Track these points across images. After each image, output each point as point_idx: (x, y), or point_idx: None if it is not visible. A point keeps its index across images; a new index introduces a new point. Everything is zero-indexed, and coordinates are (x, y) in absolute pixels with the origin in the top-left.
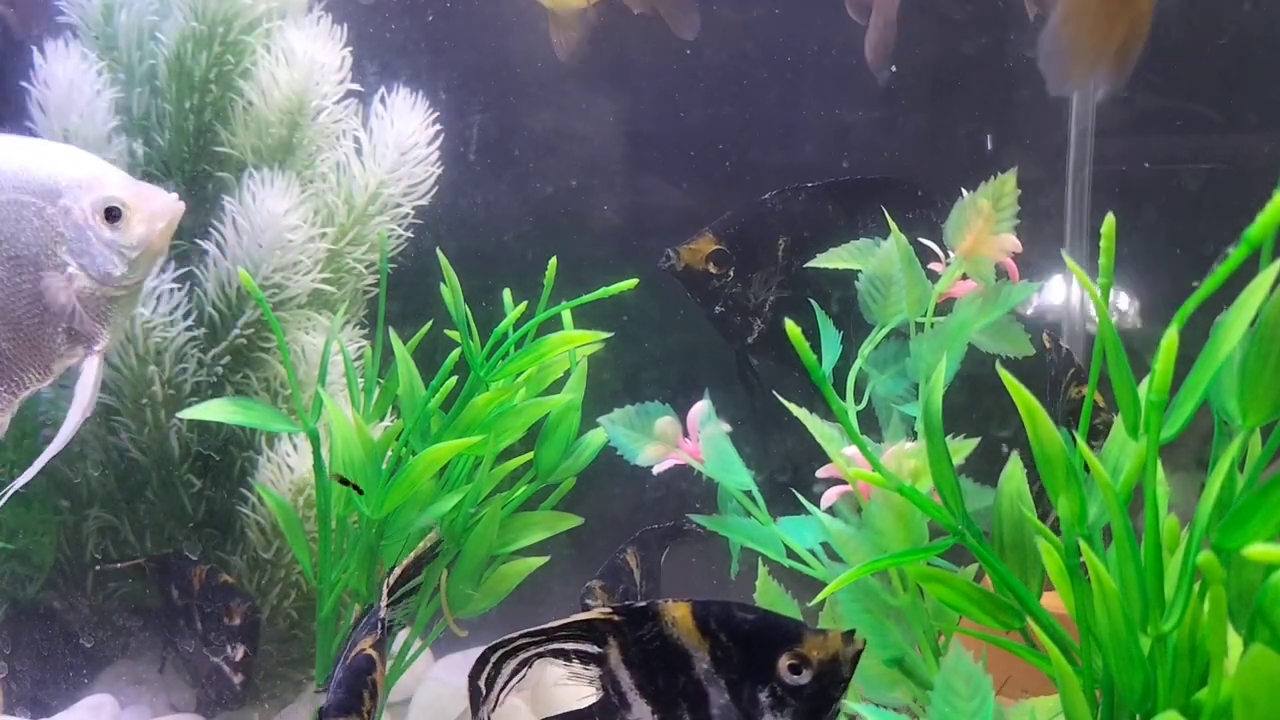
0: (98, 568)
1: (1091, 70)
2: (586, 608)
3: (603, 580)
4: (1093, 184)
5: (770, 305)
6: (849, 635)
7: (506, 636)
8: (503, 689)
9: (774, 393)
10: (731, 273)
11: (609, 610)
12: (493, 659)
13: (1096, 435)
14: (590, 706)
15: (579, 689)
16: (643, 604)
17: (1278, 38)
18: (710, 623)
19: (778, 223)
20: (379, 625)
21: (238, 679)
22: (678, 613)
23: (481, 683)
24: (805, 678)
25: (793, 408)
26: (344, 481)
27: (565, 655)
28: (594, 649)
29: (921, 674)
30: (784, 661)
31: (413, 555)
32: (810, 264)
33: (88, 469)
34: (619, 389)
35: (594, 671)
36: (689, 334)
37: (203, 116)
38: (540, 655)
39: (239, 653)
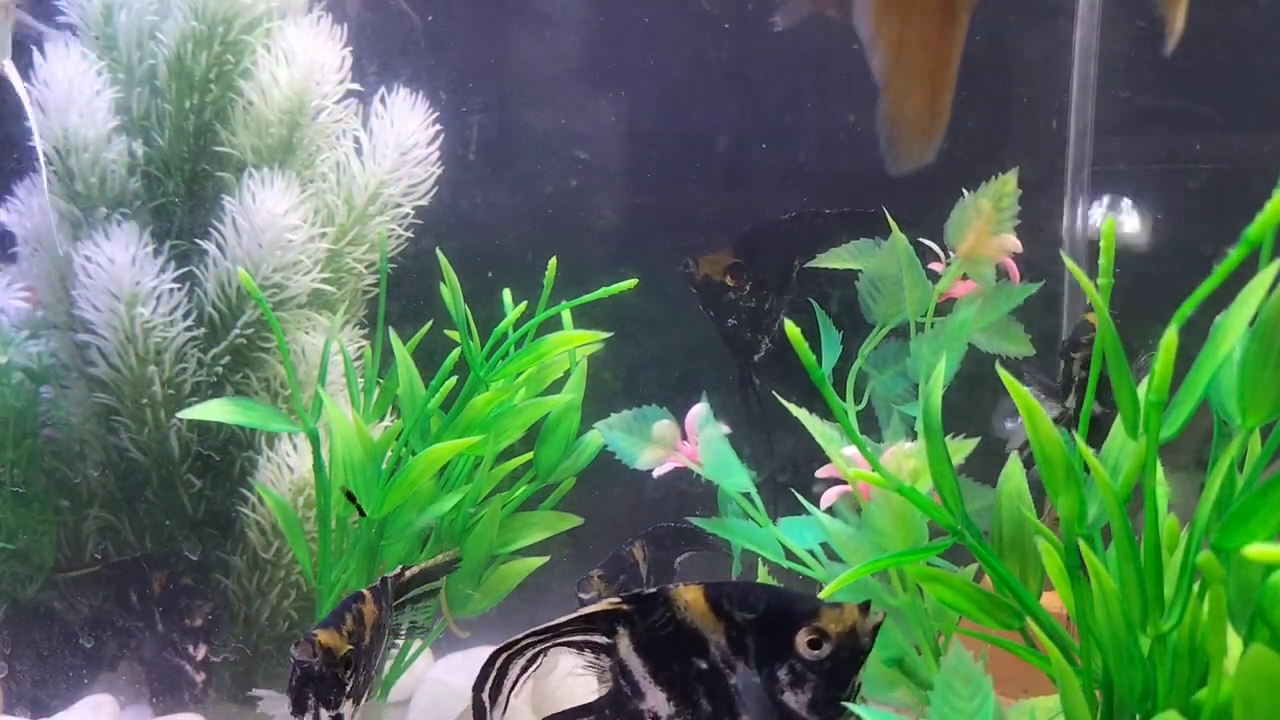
0: (58, 574)
1: (930, 144)
2: (581, 601)
3: (603, 571)
4: (1092, 184)
5: (779, 326)
6: (865, 607)
7: (510, 639)
8: (511, 689)
9: (773, 393)
10: (747, 288)
11: (617, 600)
12: (497, 664)
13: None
14: (600, 699)
15: (580, 686)
16: (652, 591)
17: (1278, 38)
18: (724, 604)
19: (794, 244)
20: (383, 581)
21: (200, 677)
22: (690, 596)
23: (485, 696)
24: (824, 652)
25: (792, 408)
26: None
27: (575, 647)
28: (603, 640)
29: (921, 674)
30: (802, 637)
31: (430, 563)
32: (811, 264)
33: (88, 469)
34: (619, 389)
35: (605, 662)
36: (689, 334)
37: (203, 116)
38: (549, 649)
39: (201, 652)
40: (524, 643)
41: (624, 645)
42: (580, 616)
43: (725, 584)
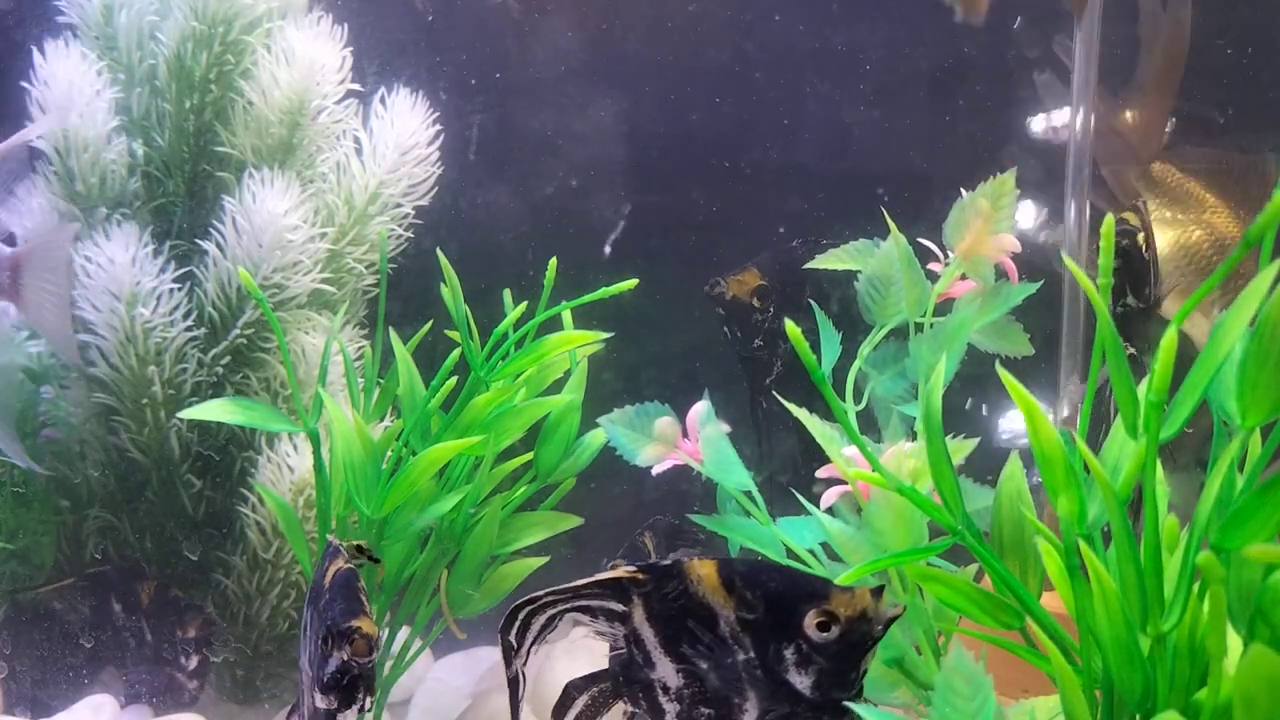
0: (16, 594)
1: None
2: None
3: (625, 560)
4: (1093, 184)
5: (789, 350)
6: (878, 591)
7: (533, 594)
8: (533, 642)
9: (786, 405)
10: (770, 310)
11: (634, 568)
12: (521, 615)
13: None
14: (614, 665)
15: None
16: (668, 562)
17: (1278, 38)
18: (735, 580)
19: (806, 270)
20: (337, 551)
21: (192, 685)
22: (703, 570)
23: (512, 638)
24: (832, 635)
25: (792, 408)
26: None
27: (591, 612)
28: (619, 607)
29: (921, 674)
30: (810, 619)
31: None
32: (810, 264)
33: (88, 469)
34: (619, 389)
35: (619, 630)
36: (689, 334)
37: (203, 116)
38: (567, 611)
39: (193, 661)
40: (545, 599)
41: (638, 614)
42: (598, 580)
43: (739, 561)
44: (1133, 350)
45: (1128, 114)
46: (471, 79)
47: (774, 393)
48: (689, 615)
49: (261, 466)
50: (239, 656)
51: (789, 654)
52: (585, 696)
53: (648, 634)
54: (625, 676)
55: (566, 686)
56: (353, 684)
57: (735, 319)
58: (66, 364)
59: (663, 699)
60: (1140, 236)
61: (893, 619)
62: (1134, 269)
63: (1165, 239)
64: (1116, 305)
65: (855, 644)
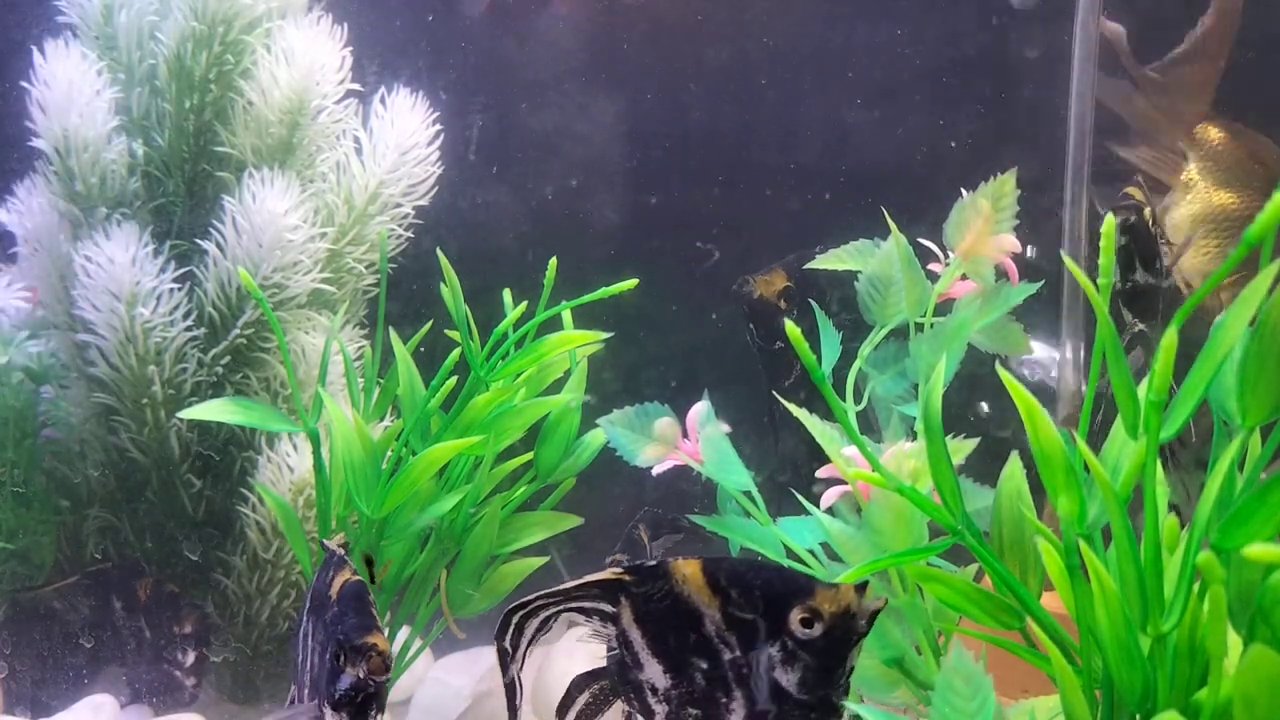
0: (18, 593)
1: None
2: None
3: (623, 553)
4: (1092, 184)
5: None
6: (861, 588)
7: (524, 599)
8: (528, 646)
9: (776, 394)
10: (795, 311)
11: (620, 570)
12: (514, 620)
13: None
14: (609, 664)
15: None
16: (653, 563)
17: (1278, 38)
18: (721, 579)
19: (828, 275)
20: (342, 561)
21: (190, 682)
22: (688, 570)
23: (507, 643)
24: (816, 631)
25: (792, 408)
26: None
27: (585, 613)
28: (610, 608)
29: (921, 674)
30: (795, 615)
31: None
32: (810, 265)
33: (88, 469)
34: (619, 389)
35: (611, 630)
36: (689, 334)
37: (203, 116)
38: (560, 613)
39: (190, 658)
40: (537, 603)
41: (626, 615)
42: (587, 583)
43: (724, 559)
44: (1143, 327)
45: (1174, 76)
46: (471, 79)
47: (775, 393)
48: (675, 615)
49: (261, 466)
50: (239, 656)
51: (775, 652)
52: (587, 694)
53: (635, 635)
54: (618, 677)
55: (571, 684)
56: (366, 702)
57: (759, 319)
58: (66, 364)
59: (652, 700)
60: (1147, 211)
61: (876, 612)
62: (1142, 244)
63: (1204, 203)
64: (1125, 282)
65: (840, 640)
